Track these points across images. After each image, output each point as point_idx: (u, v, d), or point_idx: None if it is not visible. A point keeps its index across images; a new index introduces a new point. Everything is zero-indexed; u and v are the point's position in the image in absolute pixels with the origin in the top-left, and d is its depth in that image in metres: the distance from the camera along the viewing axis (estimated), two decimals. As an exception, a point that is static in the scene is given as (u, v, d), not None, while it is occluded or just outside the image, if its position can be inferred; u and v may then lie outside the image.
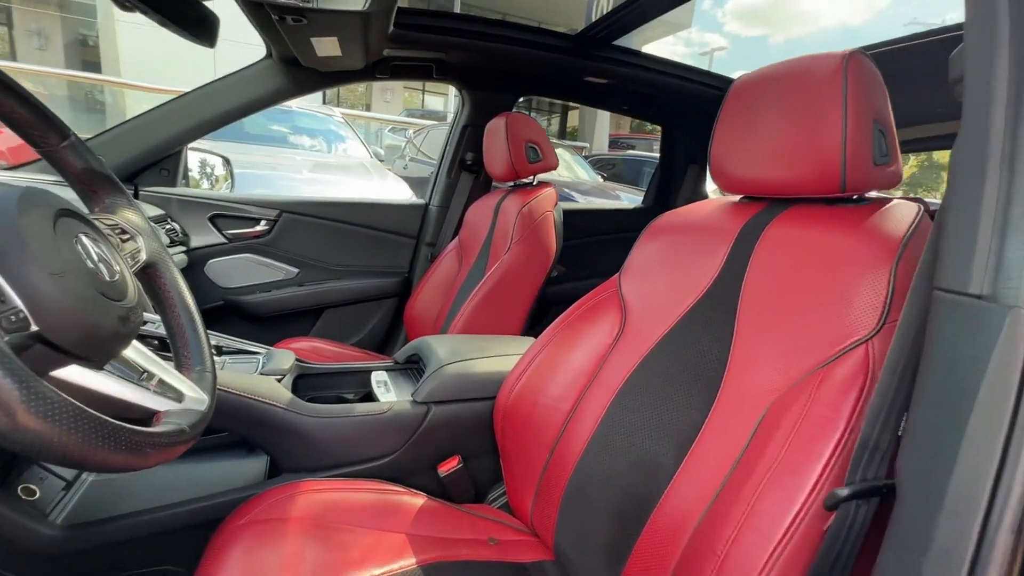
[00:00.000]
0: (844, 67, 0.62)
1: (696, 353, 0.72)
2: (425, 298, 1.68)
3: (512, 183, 1.59)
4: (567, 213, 1.56)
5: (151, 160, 1.48)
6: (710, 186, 2.16)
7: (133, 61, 8.58)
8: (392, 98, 14.52)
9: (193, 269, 1.57)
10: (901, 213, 0.62)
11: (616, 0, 1.34)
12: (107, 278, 0.44)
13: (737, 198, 0.82)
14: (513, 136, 1.45)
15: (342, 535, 0.72)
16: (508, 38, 1.52)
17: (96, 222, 0.50)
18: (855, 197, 0.69)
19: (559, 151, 5.78)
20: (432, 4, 11.18)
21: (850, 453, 0.48)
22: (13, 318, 0.35)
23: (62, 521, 0.72)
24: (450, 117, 1.97)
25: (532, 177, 1.54)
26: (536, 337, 0.92)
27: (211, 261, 1.61)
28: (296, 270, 1.74)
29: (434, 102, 14.79)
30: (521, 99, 1.86)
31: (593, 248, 2.11)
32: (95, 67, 10.10)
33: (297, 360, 1.02)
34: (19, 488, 0.72)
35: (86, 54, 11.70)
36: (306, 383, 1.03)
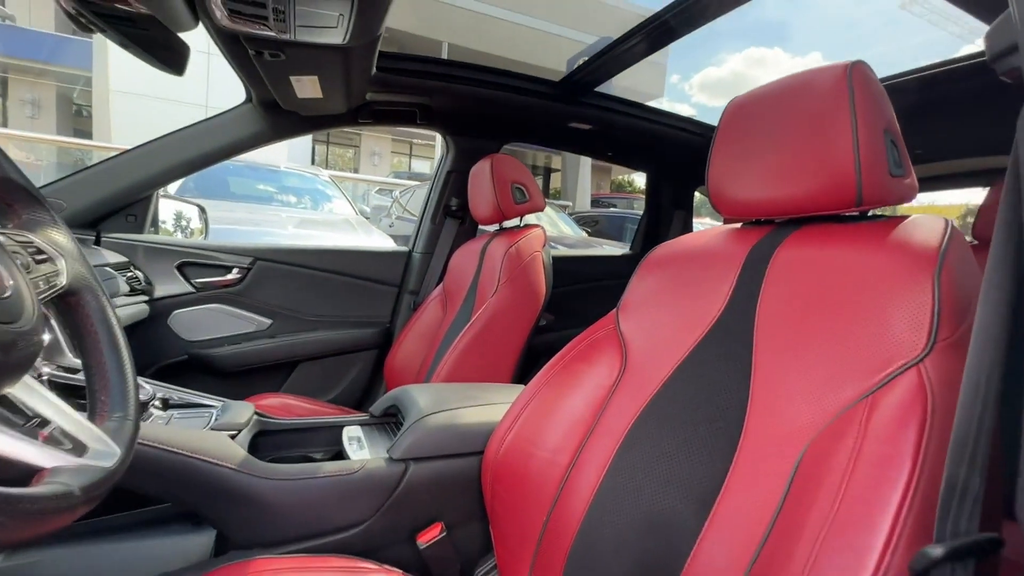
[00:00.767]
0: (849, 76, 0.59)
1: (710, 392, 0.63)
2: (407, 348, 1.58)
3: (499, 225, 1.54)
4: (555, 259, 1.50)
5: (116, 206, 1.41)
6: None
7: (125, 129, 8.73)
8: (380, 162, 14.95)
9: (155, 321, 1.46)
10: (929, 225, 0.57)
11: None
12: None
13: (739, 224, 0.77)
14: (499, 177, 1.41)
15: (296, 628, 0.58)
16: (492, 83, 1.52)
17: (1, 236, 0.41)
18: (869, 214, 0.64)
19: (545, 209, 5.92)
20: (419, 50, 11.74)
21: (923, 499, 0.39)
22: None
23: None
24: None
25: (519, 219, 1.49)
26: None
27: (176, 312, 1.50)
28: (269, 321, 1.63)
29: (421, 166, 15.25)
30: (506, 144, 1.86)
31: (582, 296, 2.05)
32: (87, 135, 10.26)
33: (257, 414, 0.90)
34: None
35: (79, 123, 11.94)
36: (267, 441, 0.91)
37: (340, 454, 0.90)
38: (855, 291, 0.55)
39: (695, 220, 2.29)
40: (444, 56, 11.21)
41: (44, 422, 0.40)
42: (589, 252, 2.82)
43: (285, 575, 0.65)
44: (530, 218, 1.50)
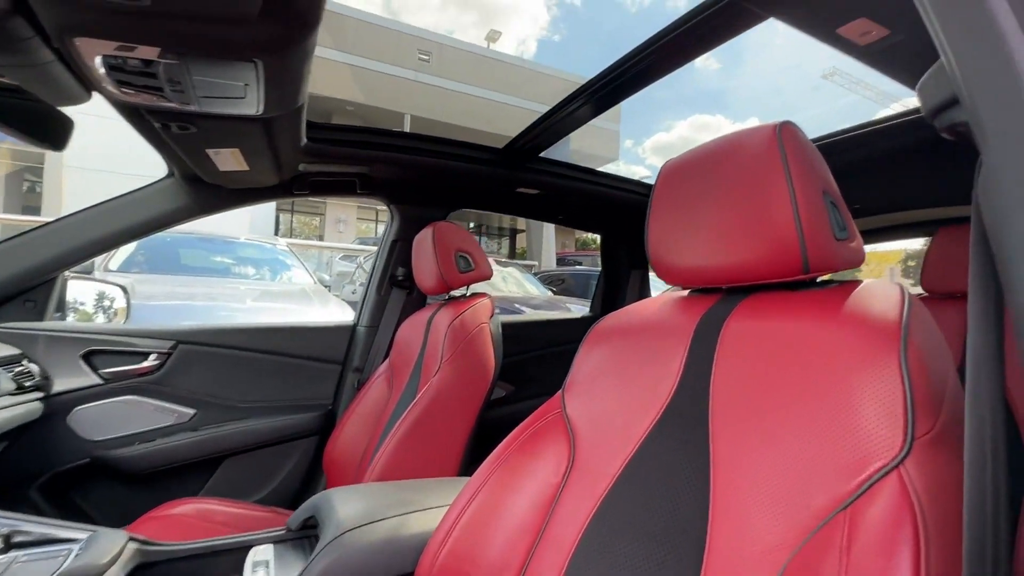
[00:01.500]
0: (778, 136, 0.56)
1: (667, 493, 0.55)
2: (349, 433, 1.42)
3: (446, 296, 1.45)
4: (509, 326, 1.42)
5: (12, 291, 1.26)
6: (655, 292, 2.12)
7: (76, 206, 8.47)
8: (346, 228, 14.95)
9: (51, 420, 1.27)
10: (884, 293, 0.51)
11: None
12: None
13: (686, 292, 0.71)
14: (441, 246, 1.34)
15: None
16: (433, 152, 1.48)
17: None
18: (818, 280, 0.60)
19: (510, 269, 5.96)
20: (383, 121, 12.05)
21: None
22: None
23: None
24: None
25: (465, 288, 1.41)
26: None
27: (78, 408, 1.32)
28: (192, 411, 1.45)
29: (387, 231, 15.29)
30: (456, 211, 1.81)
31: (540, 362, 1.95)
32: (36, 212, 9.93)
33: (138, 541, 0.74)
34: None
35: (30, 200, 11.58)
36: (149, 575, 0.74)
37: None
38: (816, 371, 0.49)
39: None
40: (407, 127, 11.60)
41: None
42: (547, 316, 2.75)
43: None
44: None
